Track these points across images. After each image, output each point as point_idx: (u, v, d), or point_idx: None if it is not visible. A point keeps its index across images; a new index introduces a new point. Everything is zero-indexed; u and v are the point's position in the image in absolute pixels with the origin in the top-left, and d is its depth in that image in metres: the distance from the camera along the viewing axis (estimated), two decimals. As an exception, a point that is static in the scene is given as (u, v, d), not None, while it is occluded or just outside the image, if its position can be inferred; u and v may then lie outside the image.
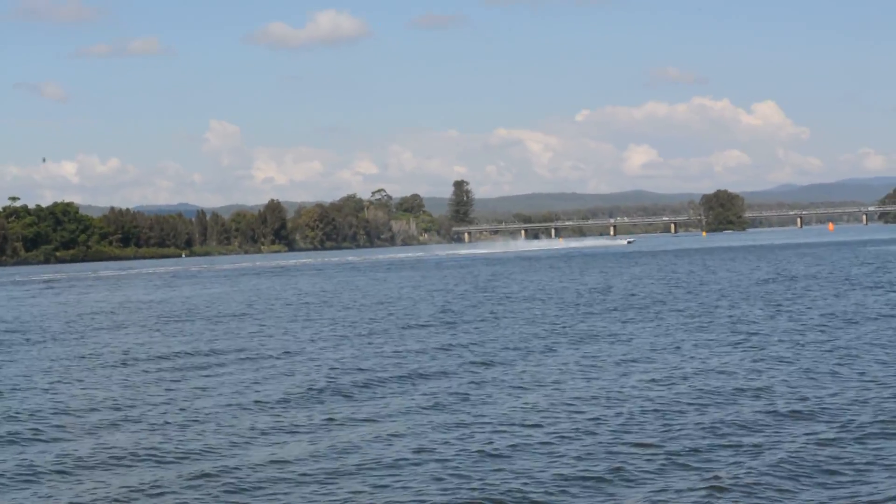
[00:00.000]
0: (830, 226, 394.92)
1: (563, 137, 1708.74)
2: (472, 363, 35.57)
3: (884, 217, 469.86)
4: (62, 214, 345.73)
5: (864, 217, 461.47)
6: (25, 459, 23.02)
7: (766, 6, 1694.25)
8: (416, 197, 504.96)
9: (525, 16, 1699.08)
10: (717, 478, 19.31)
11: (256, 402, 29.09)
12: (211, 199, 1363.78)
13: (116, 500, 19.63)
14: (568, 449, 21.91)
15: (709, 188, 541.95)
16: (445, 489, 19.40)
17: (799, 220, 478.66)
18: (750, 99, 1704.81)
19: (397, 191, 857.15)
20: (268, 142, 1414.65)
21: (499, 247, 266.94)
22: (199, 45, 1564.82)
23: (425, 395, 29.19)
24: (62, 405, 29.93)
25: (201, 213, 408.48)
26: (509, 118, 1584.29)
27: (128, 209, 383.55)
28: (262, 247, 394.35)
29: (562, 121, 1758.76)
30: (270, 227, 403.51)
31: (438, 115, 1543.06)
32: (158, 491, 20.14)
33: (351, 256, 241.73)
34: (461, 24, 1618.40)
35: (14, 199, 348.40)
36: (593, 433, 23.26)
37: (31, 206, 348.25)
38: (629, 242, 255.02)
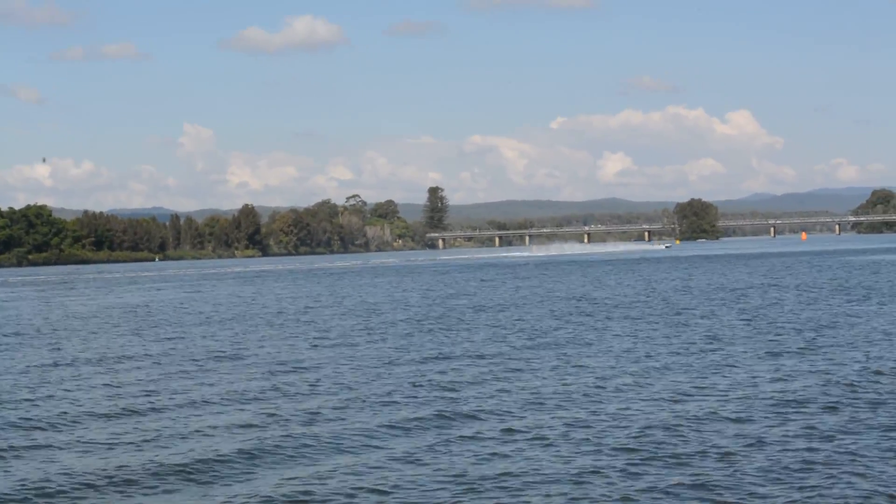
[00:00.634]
0: (804, 235, 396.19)
1: (538, 145, 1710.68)
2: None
3: (856, 227, 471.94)
4: (35, 217, 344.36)
5: (837, 227, 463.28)
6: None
7: (741, 16, 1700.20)
8: (390, 203, 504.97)
9: (501, 24, 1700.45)
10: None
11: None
12: (185, 204, 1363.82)
13: None
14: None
15: (683, 196, 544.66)
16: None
17: (772, 229, 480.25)
18: (724, 108, 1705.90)
19: (372, 196, 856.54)
20: (243, 146, 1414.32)
21: (554, 249, 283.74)
22: (175, 50, 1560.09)
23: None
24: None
25: (175, 218, 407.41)
26: (484, 125, 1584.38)
27: (101, 213, 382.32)
28: (236, 251, 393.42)
29: (537, 128, 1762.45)
30: (244, 232, 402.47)
31: (414, 122, 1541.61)
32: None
33: (420, 258, 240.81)
34: (438, 32, 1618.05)
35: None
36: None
37: (4, 208, 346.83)
38: (667, 247, 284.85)
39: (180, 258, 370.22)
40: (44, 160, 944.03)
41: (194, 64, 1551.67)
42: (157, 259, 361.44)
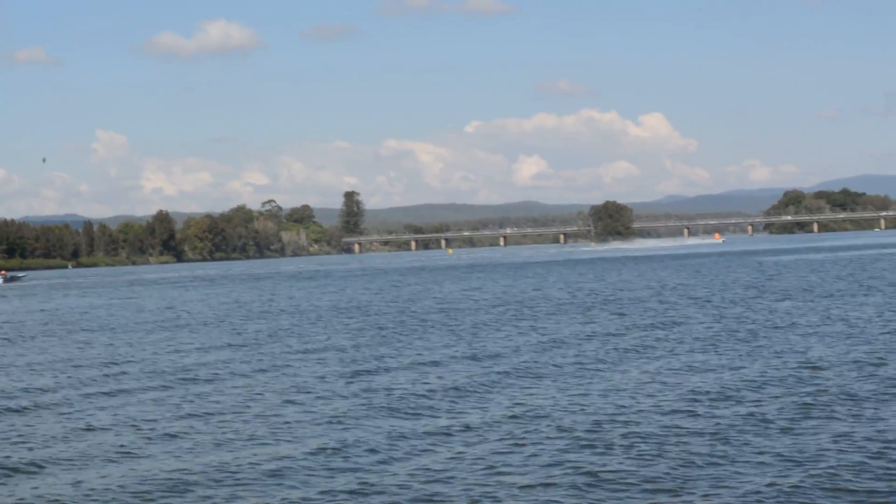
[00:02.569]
0: (717, 236, 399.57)
1: (454, 149, 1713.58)
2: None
3: (769, 228, 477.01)
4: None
5: (750, 228, 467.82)
6: None
7: (654, 20, 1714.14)
8: (306, 208, 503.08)
9: (416, 28, 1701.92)
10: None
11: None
12: (99, 210, 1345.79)
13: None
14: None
15: (598, 199, 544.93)
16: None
17: (686, 230, 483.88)
18: (638, 111, 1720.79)
19: (288, 202, 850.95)
20: (157, 152, 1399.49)
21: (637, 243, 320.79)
22: (87, 55, 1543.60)
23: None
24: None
25: (88, 224, 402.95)
26: (400, 129, 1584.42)
27: (13, 220, 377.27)
28: (150, 258, 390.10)
29: (452, 132, 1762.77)
30: (159, 238, 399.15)
31: (329, 127, 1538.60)
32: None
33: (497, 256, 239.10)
34: (353, 36, 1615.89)
35: None
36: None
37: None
38: (723, 241, 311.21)
39: (94, 265, 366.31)
40: (44, 160, 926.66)
41: (107, 69, 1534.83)
42: (70, 266, 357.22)
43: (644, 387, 29.96)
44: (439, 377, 33.73)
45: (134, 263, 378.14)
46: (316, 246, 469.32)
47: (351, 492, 19.73)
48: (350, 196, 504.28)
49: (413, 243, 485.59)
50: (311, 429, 25.61)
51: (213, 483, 20.79)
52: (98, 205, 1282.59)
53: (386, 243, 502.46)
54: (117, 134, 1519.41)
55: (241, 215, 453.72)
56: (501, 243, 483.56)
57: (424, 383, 32.54)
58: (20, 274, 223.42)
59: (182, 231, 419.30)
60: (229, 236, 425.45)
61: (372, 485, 20.07)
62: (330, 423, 26.25)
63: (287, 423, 26.61)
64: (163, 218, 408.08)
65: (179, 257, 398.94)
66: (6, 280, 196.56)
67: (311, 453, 22.85)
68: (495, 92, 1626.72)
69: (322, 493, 19.77)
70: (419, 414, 27.14)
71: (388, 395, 30.34)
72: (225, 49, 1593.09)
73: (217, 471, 21.59)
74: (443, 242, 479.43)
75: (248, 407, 29.28)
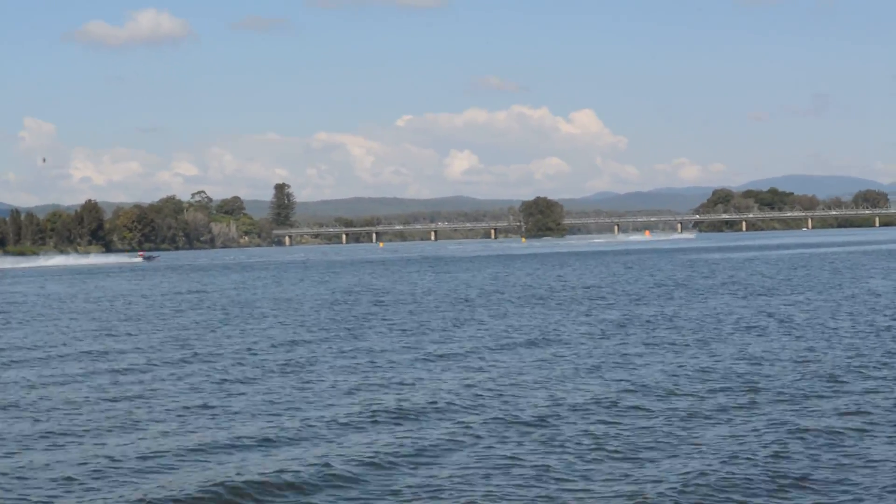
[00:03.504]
0: (647, 233, 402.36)
1: (385, 142, 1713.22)
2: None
3: (698, 226, 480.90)
4: None
5: (679, 225, 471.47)
6: None
7: (585, 16, 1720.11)
8: (236, 199, 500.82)
9: (348, 20, 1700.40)
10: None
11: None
12: (26, 199, 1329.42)
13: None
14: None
15: (529, 195, 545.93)
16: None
17: (616, 227, 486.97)
18: (568, 108, 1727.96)
19: (218, 193, 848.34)
20: (85, 141, 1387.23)
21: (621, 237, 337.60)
22: (16, 42, 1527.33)
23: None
24: None
25: (15, 213, 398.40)
26: (331, 122, 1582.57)
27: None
28: (79, 247, 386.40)
29: (383, 126, 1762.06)
30: (87, 228, 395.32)
31: (260, 118, 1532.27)
32: None
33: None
34: (285, 28, 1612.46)
35: None
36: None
37: None
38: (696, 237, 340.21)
39: (20, 254, 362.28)
40: (43, 160, 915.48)
41: (36, 57, 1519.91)
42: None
43: (569, 380, 30.17)
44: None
45: (62, 252, 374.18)
46: (246, 238, 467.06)
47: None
48: (281, 188, 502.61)
49: (344, 236, 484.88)
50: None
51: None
52: (25, 193, 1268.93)
53: (317, 236, 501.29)
54: (45, 122, 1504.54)
55: (171, 206, 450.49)
56: (432, 238, 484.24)
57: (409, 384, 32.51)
58: (155, 254, 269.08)
59: (111, 221, 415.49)
60: (158, 227, 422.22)
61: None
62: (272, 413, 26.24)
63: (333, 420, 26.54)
64: (91, 207, 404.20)
65: (108, 247, 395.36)
66: (145, 259, 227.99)
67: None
68: (427, 86, 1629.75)
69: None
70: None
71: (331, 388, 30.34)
72: (155, 39, 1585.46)
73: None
74: (374, 236, 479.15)
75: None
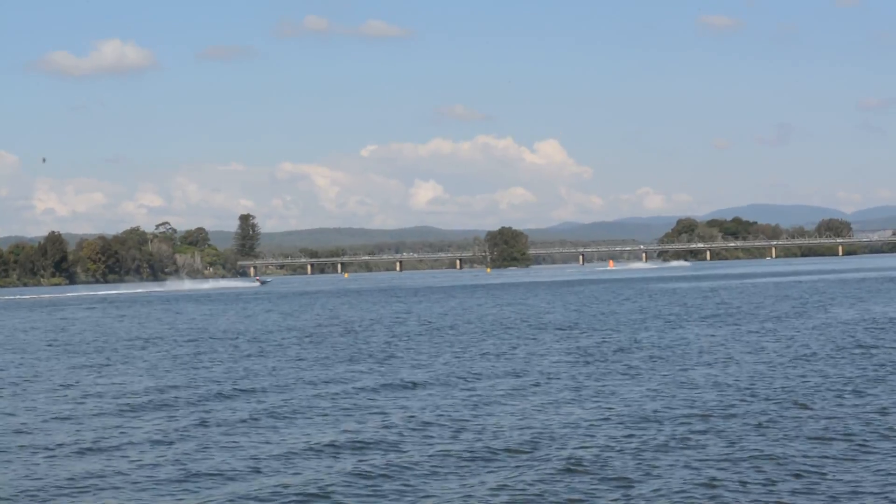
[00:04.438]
0: (611, 263, 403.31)
1: (349, 172, 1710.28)
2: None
3: (662, 255, 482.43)
4: None
5: (644, 255, 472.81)
6: None
7: (550, 47, 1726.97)
8: (200, 230, 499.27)
9: (312, 50, 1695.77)
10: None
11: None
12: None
13: None
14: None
15: (493, 225, 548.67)
16: None
17: (581, 257, 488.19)
18: (533, 138, 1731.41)
19: (182, 224, 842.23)
20: (49, 172, 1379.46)
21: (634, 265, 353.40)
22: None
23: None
24: None
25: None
26: (295, 152, 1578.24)
27: None
28: (42, 279, 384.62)
29: (348, 156, 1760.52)
30: (51, 260, 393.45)
31: (224, 148, 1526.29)
32: None
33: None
34: (248, 57, 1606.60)
35: None
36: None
37: None
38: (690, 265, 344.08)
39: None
40: (43, 160, 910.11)
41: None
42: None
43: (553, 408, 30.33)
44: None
45: (25, 285, 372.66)
46: (211, 269, 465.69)
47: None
48: (245, 219, 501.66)
49: (309, 267, 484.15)
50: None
51: None
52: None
53: (282, 267, 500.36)
54: (7, 153, 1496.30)
55: (135, 237, 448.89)
56: (397, 268, 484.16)
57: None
58: (268, 279, 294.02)
59: (74, 253, 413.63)
60: (123, 258, 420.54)
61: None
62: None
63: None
64: (55, 239, 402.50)
65: (72, 279, 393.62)
66: (262, 284, 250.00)
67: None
68: (391, 116, 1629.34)
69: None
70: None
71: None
72: (119, 69, 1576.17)
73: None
74: (339, 266, 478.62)
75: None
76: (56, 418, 32.47)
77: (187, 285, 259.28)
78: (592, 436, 26.16)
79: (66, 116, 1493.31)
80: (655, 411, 29.69)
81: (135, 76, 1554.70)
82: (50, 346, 65.22)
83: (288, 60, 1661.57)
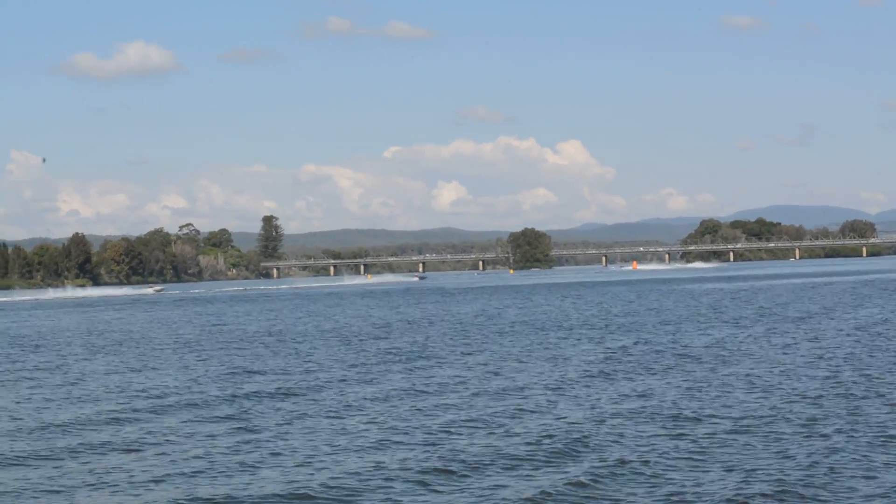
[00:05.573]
0: (634, 264, 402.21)
1: (372, 174, 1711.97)
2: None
3: (685, 256, 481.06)
4: None
5: (667, 256, 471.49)
6: None
7: (573, 48, 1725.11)
8: (224, 232, 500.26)
9: (335, 52, 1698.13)
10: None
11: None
12: (13, 232, 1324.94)
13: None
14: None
15: (516, 226, 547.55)
16: None
17: (604, 258, 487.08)
18: (555, 139, 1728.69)
19: (206, 225, 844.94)
20: (73, 174, 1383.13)
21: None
22: (3, 74, 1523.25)
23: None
24: None
25: (3, 247, 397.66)
26: (318, 154, 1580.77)
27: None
28: (66, 281, 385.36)
29: (370, 157, 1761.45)
30: (75, 261, 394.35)
31: (247, 150, 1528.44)
32: None
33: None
34: (271, 59, 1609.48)
35: None
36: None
37: None
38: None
39: (8, 287, 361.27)
40: (43, 160, 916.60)
41: (23, 89, 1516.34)
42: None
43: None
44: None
45: (49, 286, 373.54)
46: (234, 270, 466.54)
47: None
48: (268, 220, 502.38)
49: (332, 268, 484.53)
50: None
51: None
52: (12, 227, 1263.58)
53: (305, 268, 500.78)
54: (32, 155, 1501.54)
55: (159, 239, 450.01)
56: (420, 269, 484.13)
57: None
58: (425, 275, 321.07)
59: (98, 254, 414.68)
60: (146, 260, 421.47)
61: None
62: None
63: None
64: (79, 241, 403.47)
65: (96, 280, 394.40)
66: (420, 279, 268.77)
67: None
68: (414, 117, 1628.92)
69: None
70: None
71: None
72: (143, 71, 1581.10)
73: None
74: (362, 268, 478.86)
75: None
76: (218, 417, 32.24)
77: (349, 281, 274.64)
78: (646, 435, 25.80)
79: (90, 118, 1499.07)
80: (713, 413, 29.29)
81: (158, 78, 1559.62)
82: (270, 336, 65.01)
83: (310, 62, 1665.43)
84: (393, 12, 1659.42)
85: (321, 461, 24.25)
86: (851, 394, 32.10)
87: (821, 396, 31.73)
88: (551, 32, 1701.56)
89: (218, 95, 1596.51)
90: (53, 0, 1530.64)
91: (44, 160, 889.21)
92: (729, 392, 33.27)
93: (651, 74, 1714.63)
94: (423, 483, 21.87)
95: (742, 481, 21.17)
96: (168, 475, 23.38)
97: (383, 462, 23.85)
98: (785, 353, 45.13)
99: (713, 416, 28.56)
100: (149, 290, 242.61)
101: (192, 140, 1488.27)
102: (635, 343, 52.94)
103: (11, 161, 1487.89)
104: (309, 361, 48.78)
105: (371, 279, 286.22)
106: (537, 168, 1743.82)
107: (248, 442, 27.11)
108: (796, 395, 32.29)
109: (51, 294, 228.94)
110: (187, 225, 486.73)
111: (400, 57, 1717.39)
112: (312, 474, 22.94)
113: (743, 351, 46.98)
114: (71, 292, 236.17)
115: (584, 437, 26.04)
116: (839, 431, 25.93)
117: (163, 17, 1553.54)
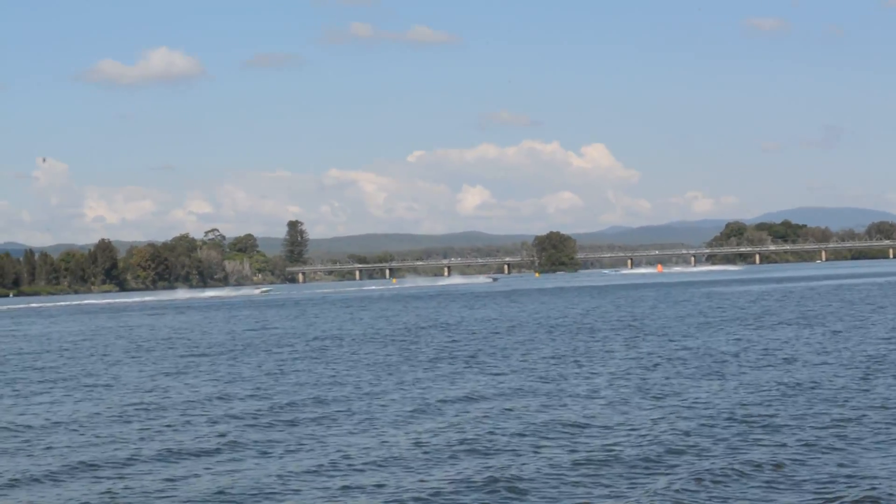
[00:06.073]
0: (659, 267, 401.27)
1: (397, 178, 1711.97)
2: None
3: (711, 259, 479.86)
4: None
5: (693, 259, 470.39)
6: None
7: (596, 51, 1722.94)
8: (249, 237, 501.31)
9: (359, 57, 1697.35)
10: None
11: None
12: (40, 238, 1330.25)
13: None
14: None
15: (541, 229, 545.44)
16: None
17: (629, 261, 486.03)
18: (580, 142, 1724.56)
19: (231, 230, 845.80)
20: (99, 180, 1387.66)
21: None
22: (28, 81, 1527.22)
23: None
24: None
25: (29, 253, 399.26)
26: (343, 159, 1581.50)
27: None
28: (93, 286, 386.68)
29: (394, 162, 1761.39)
30: (101, 267, 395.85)
31: (272, 156, 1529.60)
32: None
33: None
34: (295, 65, 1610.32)
35: None
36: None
37: None
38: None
39: (35, 294, 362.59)
40: (43, 160, 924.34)
41: (48, 96, 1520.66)
42: (10, 295, 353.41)
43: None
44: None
45: (76, 292, 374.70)
46: (260, 275, 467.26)
47: None
48: (294, 225, 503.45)
49: (357, 273, 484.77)
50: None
51: None
52: (39, 233, 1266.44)
53: (330, 273, 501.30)
54: (58, 161, 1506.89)
55: (184, 244, 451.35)
56: (445, 273, 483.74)
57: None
58: (498, 276, 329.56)
59: (124, 260, 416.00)
60: (172, 265, 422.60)
61: None
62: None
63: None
64: (105, 247, 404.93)
65: (122, 286, 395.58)
66: (494, 280, 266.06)
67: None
68: (437, 122, 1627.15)
69: None
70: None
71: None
72: (167, 77, 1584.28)
73: None
74: (387, 272, 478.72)
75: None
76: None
77: (420, 282, 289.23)
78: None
79: (115, 125, 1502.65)
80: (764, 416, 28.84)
81: (183, 84, 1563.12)
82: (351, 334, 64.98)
83: (334, 67, 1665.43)
84: (415, 17, 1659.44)
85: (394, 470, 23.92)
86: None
87: None
88: (574, 36, 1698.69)
89: (242, 101, 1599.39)
90: (78, 7, 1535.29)
91: (44, 160, 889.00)
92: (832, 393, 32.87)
93: (675, 77, 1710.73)
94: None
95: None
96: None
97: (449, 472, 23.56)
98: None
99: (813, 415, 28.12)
100: (255, 292, 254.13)
101: (217, 146, 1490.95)
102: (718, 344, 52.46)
103: (37, 168, 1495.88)
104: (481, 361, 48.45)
105: (448, 277, 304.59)
106: (562, 172, 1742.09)
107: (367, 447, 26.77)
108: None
109: (181, 294, 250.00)
110: (213, 230, 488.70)
111: (423, 61, 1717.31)
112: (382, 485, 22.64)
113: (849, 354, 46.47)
114: (199, 293, 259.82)
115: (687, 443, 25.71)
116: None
117: (187, 23, 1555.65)
